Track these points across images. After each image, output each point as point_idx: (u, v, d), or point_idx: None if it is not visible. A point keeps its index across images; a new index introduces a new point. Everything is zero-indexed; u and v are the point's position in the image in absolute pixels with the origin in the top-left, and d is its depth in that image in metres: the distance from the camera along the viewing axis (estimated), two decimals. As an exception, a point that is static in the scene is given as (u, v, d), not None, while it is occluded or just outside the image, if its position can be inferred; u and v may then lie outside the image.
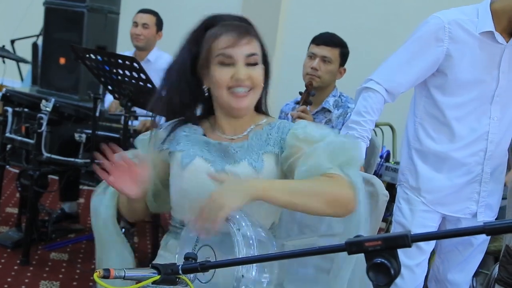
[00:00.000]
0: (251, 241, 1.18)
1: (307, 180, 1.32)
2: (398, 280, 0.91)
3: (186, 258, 1.11)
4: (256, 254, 1.18)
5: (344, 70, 2.50)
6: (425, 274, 2.01)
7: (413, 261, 1.93)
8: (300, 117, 2.27)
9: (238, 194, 1.21)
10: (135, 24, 3.49)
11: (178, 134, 1.47)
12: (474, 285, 2.44)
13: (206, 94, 1.44)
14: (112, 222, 1.50)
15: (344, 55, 2.49)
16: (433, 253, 2.13)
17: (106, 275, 1.02)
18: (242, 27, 1.40)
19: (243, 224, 1.20)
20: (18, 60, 3.55)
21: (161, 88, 1.47)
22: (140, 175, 1.34)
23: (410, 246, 0.88)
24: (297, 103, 2.44)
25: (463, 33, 1.85)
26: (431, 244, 2.00)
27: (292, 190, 1.29)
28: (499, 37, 1.85)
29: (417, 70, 1.89)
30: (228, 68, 1.38)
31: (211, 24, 1.42)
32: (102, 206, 1.49)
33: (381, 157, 2.86)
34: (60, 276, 2.80)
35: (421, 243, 1.92)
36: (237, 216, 1.21)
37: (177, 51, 1.46)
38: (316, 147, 1.35)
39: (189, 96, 1.44)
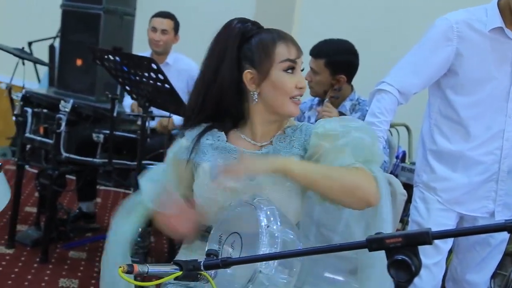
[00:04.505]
0: (276, 241, 1.21)
1: (331, 166, 1.36)
2: (415, 280, 0.92)
3: (208, 254, 1.13)
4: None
5: (343, 78, 2.39)
6: (443, 273, 2.01)
7: (430, 260, 1.93)
8: (325, 111, 2.30)
9: (263, 162, 1.31)
10: (154, 29, 3.48)
11: (203, 144, 1.47)
12: (492, 286, 2.43)
13: (256, 100, 1.42)
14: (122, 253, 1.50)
15: (333, 64, 2.39)
16: (450, 252, 2.13)
17: (130, 271, 1.05)
18: (293, 37, 1.44)
19: (272, 220, 1.22)
20: (37, 62, 3.60)
21: (199, 91, 1.46)
22: (191, 218, 1.38)
23: (431, 243, 0.89)
24: (320, 102, 2.47)
25: (472, 32, 1.88)
26: (448, 243, 2.00)
27: (313, 170, 1.34)
28: (509, 32, 1.87)
29: (428, 71, 1.93)
30: (290, 75, 1.41)
31: (251, 29, 1.43)
32: (122, 228, 1.50)
33: (396, 157, 2.87)
34: (79, 274, 2.84)
35: (439, 242, 1.92)
36: (268, 212, 1.23)
37: (209, 58, 1.44)
38: (338, 144, 1.38)
39: (232, 99, 1.43)
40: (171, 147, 1.54)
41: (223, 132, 1.48)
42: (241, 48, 1.42)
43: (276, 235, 1.21)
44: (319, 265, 1.58)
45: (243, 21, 1.45)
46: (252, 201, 1.27)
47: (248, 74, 1.41)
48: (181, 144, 1.49)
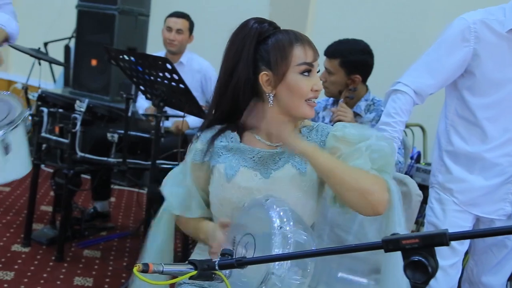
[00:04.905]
0: (289, 242, 1.21)
1: (351, 166, 1.36)
2: (431, 281, 0.91)
3: (223, 254, 1.13)
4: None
5: (358, 78, 2.39)
6: (459, 275, 1.99)
7: (446, 262, 1.91)
8: (339, 112, 2.29)
9: (298, 139, 1.37)
10: (169, 29, 3.49)
11: (217, 146, 1.47)
12: (508, 288, 2.40)
13: (271, 101, 1.42)
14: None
15: (348, 64, 2.38)
16: (467, 253, 2.11)
17: (145, 269, 1.05)
18: (310, 39, 1.44)
19: (285, 221, 1.22)
20: (52, 62, 3.64)
21: (219, 95, 1.46)
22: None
23: (448, 244, 0.88)
24: (335, 102, 2.46)
25: (490, 33, 1.85)
26: (465, 244, 1.98)
27: (336, 163, 1.36)
28: None
29: (444, 71, 1.91)
30: (307, 78, 1.40)
31: (267, 30, 1.42)
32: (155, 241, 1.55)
33: (411, 158, 2.84)
34: (93, 272, 2.86)
35: (455, 244, 1.90)
36: (281, 213, 1.23)
37: (226, 58, 1.44)
38: (356, 149, 1.37)
39: (247, 100, 1.44)
40: (187, 153, 1.54)
41: (235, 133, 1.48)
42: (258, 48, 1.41)
43: (288, 236, 1.21)
44: (333, 265, 1.57)
45: (260, 21, 1.44)
46: (265, 202, 1.27)
47: (264, 76, 1.41)
48: (196, 148, 1.50)
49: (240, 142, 1.47)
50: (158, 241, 1.55)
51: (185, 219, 1.52)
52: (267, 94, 1.42)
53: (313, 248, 1.27)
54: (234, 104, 1.44)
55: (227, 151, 1.46)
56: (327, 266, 1.53)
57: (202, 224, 1.48)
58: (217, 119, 1.49)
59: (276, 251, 1.19)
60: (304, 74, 1.40)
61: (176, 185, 1.51)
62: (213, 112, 1.49)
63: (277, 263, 1.20)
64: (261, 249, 1.23)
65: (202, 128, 1.52)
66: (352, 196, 1.33)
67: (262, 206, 1.26)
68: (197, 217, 1.50)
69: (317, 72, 1.45)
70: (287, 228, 1.21)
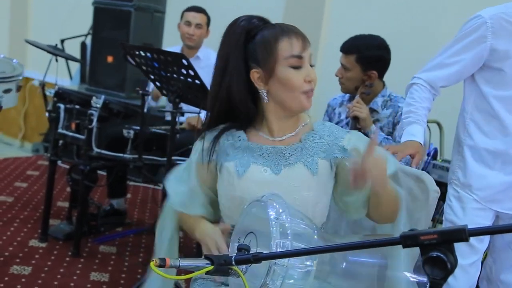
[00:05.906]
0: (287, 232, 1.21)
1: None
2: (450, 280, 0.90)
3: (239, 249, 1.13)
4: (290, 245, 1.21)
5: (374, 74, 2.37)
6: (478, 274, 1.97)
7: (466, 260, 1.89)
8: (355, 107, 2.28)
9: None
10: (188, 23, 3.49)
11: (223, 145, 1.47)
12: (527, 287, 2.36)
13: (266, 99, 1.42)
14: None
15: (364, 60, 2.37)
16: (485, 251, 2.09)
17: (162, 264, 1.06)
18: (298, 29, 1.42)
19: (282, 213, 1.23)
20: (70, 58, 3.66)
21: (215, 96, 1.45)
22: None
23: (467, 240, 0.87)
24: (351, 98, 2.44)
25: (509, 25, 1.84)
26: (485, 243, 1.95)
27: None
28: None
29: (457, 66, 1.92)
30: (298, 70, 1.39)
31: (256, 26, 1.41)
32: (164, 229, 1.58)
33: (428, 154, 2.81)
34: (109, 268, 2.88)
35: (474, 242, 1.89)
36: (277, 206, 1.24)
37: (218, 59, 1.44)
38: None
39: (243, 100, 1.43)
40: (193, 151, 1.54)
41: (242, 131, 1.48)
42: (247, 47, 1.40)
43: (286, 226, 1.22)
44: (338, 256, 1.57)
45: (248, 18, 1.43)
46: (261, 199, 1.28)
47: (255, 74, 1.41)
48: (201, 148, 1.50)
49: (248, 140, 1.46)
50: (167, 236, 1.57)
51: (185, 216, 1.52)
52: (261, 91, 1.42)
53: (314, 237, 1.28)
54: (231, 104, 1.43)
55: (235, 149, 1.45)
56: (332, 258, 1.52)
57: (200, 223, 1.47)
58: (218, 119, 1.48)
59: (276, 242, 1.19)
60: (294, 66, 1.38)
61: (179, 183, 1.52)
62: (213, 114, 1.48)
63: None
64: (262, 245, 1.23)
65: (205, 128, 1.50)
66: (384, 213, 1.43)
67: (260, 204, 1.27)
68: (198, 214, 1.50)
69: (312, 66, 1.42)
70: (285, 223, 1.22)
